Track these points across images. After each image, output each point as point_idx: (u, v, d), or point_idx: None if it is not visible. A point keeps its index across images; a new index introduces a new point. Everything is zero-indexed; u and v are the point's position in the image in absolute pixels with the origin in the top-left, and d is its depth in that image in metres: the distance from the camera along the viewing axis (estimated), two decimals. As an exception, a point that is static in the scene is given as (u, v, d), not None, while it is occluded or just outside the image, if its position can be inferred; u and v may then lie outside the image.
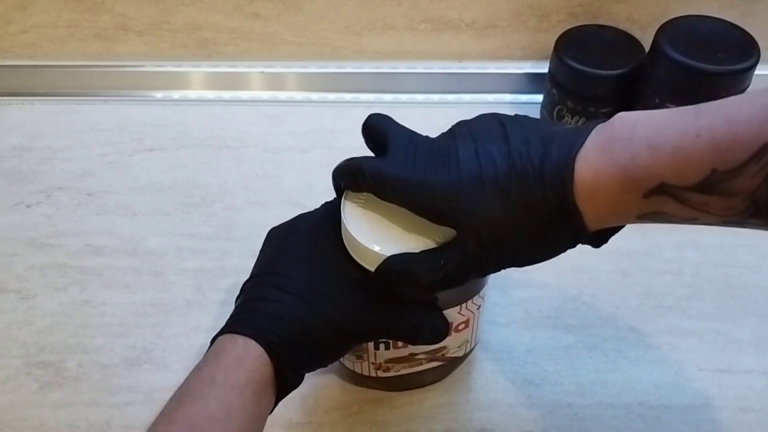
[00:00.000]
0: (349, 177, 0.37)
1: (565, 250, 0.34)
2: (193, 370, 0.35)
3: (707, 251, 0.55)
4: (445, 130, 0.36)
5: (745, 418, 0.45)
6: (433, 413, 0.46)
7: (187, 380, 0.34)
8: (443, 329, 0.39)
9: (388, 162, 0.35)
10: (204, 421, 0.32)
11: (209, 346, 0.36)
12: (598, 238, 0.33)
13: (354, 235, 0.36)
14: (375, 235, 0.36)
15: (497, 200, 0.32)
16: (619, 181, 0.30)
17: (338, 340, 0.37)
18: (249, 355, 0.34)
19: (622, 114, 0.31)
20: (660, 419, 0.45)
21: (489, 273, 0.36)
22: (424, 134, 0.36)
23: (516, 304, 0.51)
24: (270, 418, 0.45)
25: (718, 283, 0.53)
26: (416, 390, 0.47)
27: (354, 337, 0.37)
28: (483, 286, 0.41)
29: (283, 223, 0.42)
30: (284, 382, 0.36)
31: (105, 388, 0.47)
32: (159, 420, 0.32)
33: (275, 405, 0.37)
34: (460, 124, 0.36)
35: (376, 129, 0.37)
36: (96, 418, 0.46)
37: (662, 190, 0.29)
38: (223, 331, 0.36)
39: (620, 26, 0.63)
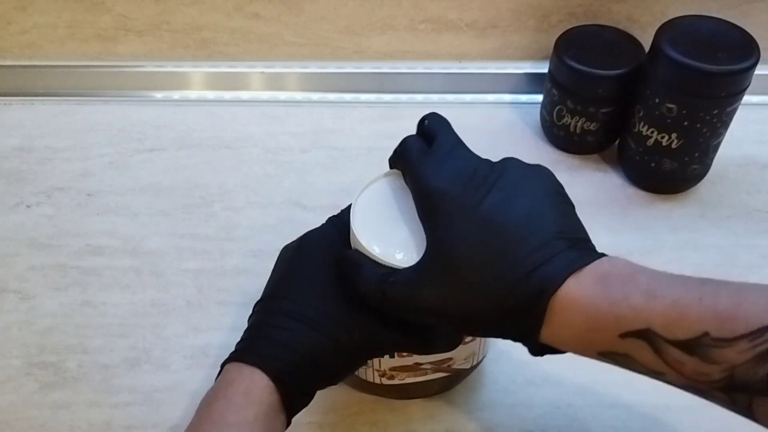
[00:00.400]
0: (395, 152, 0.39)
1: (506, 338, 0.34)
2: (203, 404, 0.35)
3: (707, 251, 0.55)
4: (496, 160, 0.37)
5: (744, 418, 0.45)
6: (433, 413, 0.46)
7: (198, 420, 0.35)
8: (455, 338, 0.39)
9: (427, 154, 0.37)
10: None
11: (219, 372, 0.37)
12: (538, 349, 0.34)
13: (356, 233, 0.37)
14: (375, 235, 0.37)
15: (477, 259, 0.33)
16: (601, 312, 0.31)
17: (347, 360, 0.37)
18: (256, 387, 0.35)
19: (623, 259, 0.33)
20: (660, 419, 0.45)
21: (424, 320, 0.36)
22: None
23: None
24: (270, 418, 0.45)
25: (718, 283, 0.53)
26: (403, 400, 0.46)
27: (363, 355, 0.38)
28: None
29: (292, 242, 0.42)
30: (293, 406, 0.36)
31: (105, 388, 0.47)
32: None
33: (289, 423, 0.37)
34: (511, 166, 0.36)
35: (429, 127, 0.39)
36: (96, 419, 0.46)
37: (643, 335, 0.30)
38: (231, 358, 0.37)
39: (620, 26, 0.63)
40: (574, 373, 0.48)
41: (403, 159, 0.38)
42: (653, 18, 0.64)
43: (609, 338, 0.31)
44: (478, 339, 0.43)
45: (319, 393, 0.47)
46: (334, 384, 0.39)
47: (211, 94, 0.71)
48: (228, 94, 0.71)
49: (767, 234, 0.57)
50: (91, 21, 0.67)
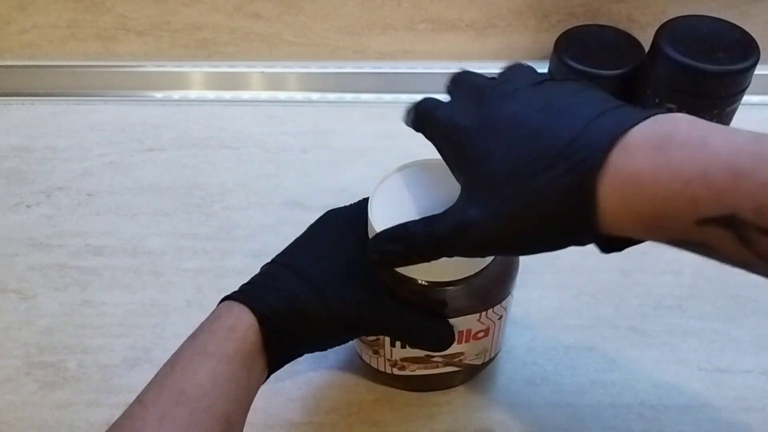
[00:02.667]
0: (416, 112, 0.37)
1: (570, 244, 0.30)
2: (189, 336, 0.36)
3: (707, 251, 0.55)
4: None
5: (745, 418, 0.45)
6: (433, 413, 0.46)
7: (181, 347, 0.35)
8: (446, 338, 0.39)
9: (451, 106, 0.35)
10: (192, 389, 0.33)
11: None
12: (608, 244, 0.29)
13: (374, 225, 0.37)
14: (392, 222, 0.37)
15: (511, 164, 0.29)
16: (671, 194, 0.25)
17: (334, 328, 0.37)
18: (241, 324, 0.35)
19: (687, 116, 0.27)
20: (660, 419, 0.45)
21: (481, 252, 0.34)
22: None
23: (516, 304, 0.51)
24: (270, 418, 0.45)
25: (718, 283, 0.53)
26: (414, 392, 0.47)
27: (351, 327, 0.38)
28: (506, 296, 0.41)
29: (318, 218, 0.43)
30: (273, 354, 0.36)
31: (105, 388, 0.47)
32: (151, 385, 0.34)
33: (268, 376, 0.37)
34: (517, 71, 0.34)
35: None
36: (96, 418, 0.46)
37: (728, 222, 0.24)
38: (225, 297, 0.38)
39: (620, 26, 0.63)
40: (574, 373, 0.48)
41: (421, 114, 0.37)
42: (653, 18, 0.64)
43: (681, 225, 0.25)
44: (490, 335, 0.42)
45: (319, 393, 0.47)
46: (320, 350, 0.39)
47: (211, 94, 0.71)
48: (228, 94, 0.71)
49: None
50: (91, 21, 0.67)
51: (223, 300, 0.38)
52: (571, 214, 0.28)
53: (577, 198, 0.27)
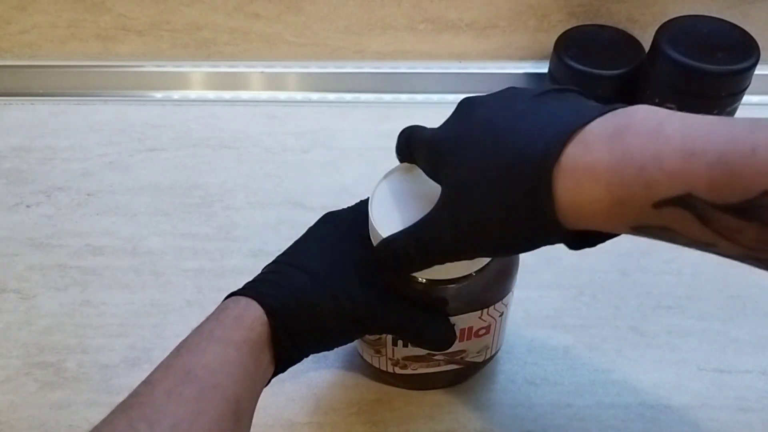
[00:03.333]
0: (401, 141, 0.39)
1: (539, 244, 0.30)
2: (196, 327, 0.36)
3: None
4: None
5: (744, 418, 0.45)
6: (433, 413, 0.46)
7: (187, 336, 0.35)
8: (449, 337, 0.39)
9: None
10: (201, 370, 0.32)
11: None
12: (575, 240, 0.29)
13: (375, 224, 0.37)
14: (394, 224, 0.37)
15: (479, 173, 0.30)
16: (627, 180, 0.26)
17: (341, 324, 0.37)
18: (249, 315, 0.35)
19: (647, 106, 0.27)
20: (660, 419, 0.45)
21: (461, 253, 0.34)
22: None
23: (516, 304, 0.51)
24: (270, 417, 0.45)
25: (718, 283, 0.53)
26: (416, 390, 0.47)
27: (358, 324, 0.38)
28: (507, 294, 0.41)
29: (316, 221, 0.43)
30: (280, 349, 0.36)
31: (105, 388, 0.47)
32: (158, 368, 0.33)
33: (274, 374, 0.37)
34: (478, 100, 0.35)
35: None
36: (96, 419, 0.46)
37: (684, 202, 0.25)
38: (230, 293, 0.37)
39: (620, 26, 0.63)
40: (574, 373, 0.48)
41: (406, 134, 0.38)
42: (653, 18, 0.64)
43: (640, 210, 0.26)
44: (491, 332, 0.43)
45: (319, 393, 0.47)
46: (325, 349, 0.39)
47: (211, 94, 0.71)
48: (228, 94, 0.71)
49: (767, 234, 0.57)
50: (91, 21, 0.67)
51: (228, 296, 0.38)
52: (533, 212, 0.28)
53: (536, 195, 0.28)
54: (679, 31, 0.55)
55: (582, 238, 0.29)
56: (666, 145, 0.25)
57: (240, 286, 0.39)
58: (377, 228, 0.37)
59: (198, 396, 0.31)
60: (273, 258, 0.41)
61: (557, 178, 0.27)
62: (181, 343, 0.35)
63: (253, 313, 0.35)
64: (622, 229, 0.28)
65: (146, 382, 0.32)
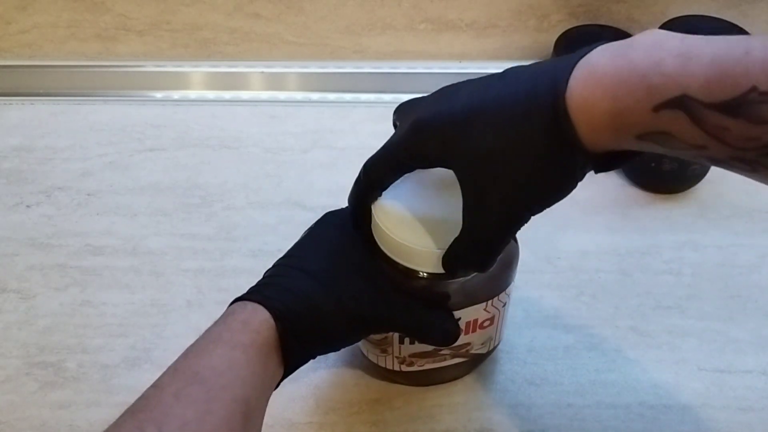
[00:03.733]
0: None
1: (571, 176, 0.31)
2: (203, 332, 0.36)
3: (707, 251, 0.55)
4: None
5: (744, 418, 0.45)
6: (433, 413, 0.46)
7: (195, 341, 0.35)
8: (454, 331, 0.40)
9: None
10: (208, 371, 0.32)
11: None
12: (600, 162, 0.31)
13: (388, 232, 0.37)
14: (408, 231, 0.37)
15: (486, 128, 0.31)
16: (629, 85, 0.27)
17: (347, 324, 0.38)
18: (255, 319, 0.35)
19: (653, 29, 0.29)
20: (660, 419, 0.45)
21: (513, 218, 0.33)
22: None
23: (516, 304, 0.51)
24: (270, 418, 0.45)
25: (718, 283, 0.53)
26: (415, 390, 0.47)
27: (363, 324, 0.38)
28: (509, 284, 0.42)
29: (316, 221, 0.43)
30: (288, 352, 0.36)
31: (105, 388, 0.47)
32: (165, 372, 0.33)
33: (284, 377, 0.37)
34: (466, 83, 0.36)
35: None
36: (96, 418, 0.46)
37: (680, 103, 0.26)
38: (235, 300, 0.37)
39: (620, 26, 0.63)
40: (574, 373, 0.48)
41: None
42: (653, 18, 0.64)
43: (641, 116, 0.27)
44: (495, 323, 0.43)
45: (319, 393, 0.47)
46: (333, 350, 0.39)
47: (211, 94, 0.71)
48: (228, 94, 0.71)
49: (767, 234, 0.57)
50: (91, 21, 0.67)
51: (234, 301, 0.38)
52: (558, 144, 0.30)
53: (556, 124, 0.29)
54: (679, 31, 0.55)
55: (605, 163, 0.31)
56: (667, 53, 0.27)
57: (240, 286, 0.39)
58: (384, 229, 0.37)
59: (206, 397, 0.31)
60: (273, 258, 0.41)
61: (570, 101, 0.29)
62: (188, 348, 0.35)
63: (260, 317, 0.35)
64: (630, 141, 0.29)
65: (154, 386, 0.32)
